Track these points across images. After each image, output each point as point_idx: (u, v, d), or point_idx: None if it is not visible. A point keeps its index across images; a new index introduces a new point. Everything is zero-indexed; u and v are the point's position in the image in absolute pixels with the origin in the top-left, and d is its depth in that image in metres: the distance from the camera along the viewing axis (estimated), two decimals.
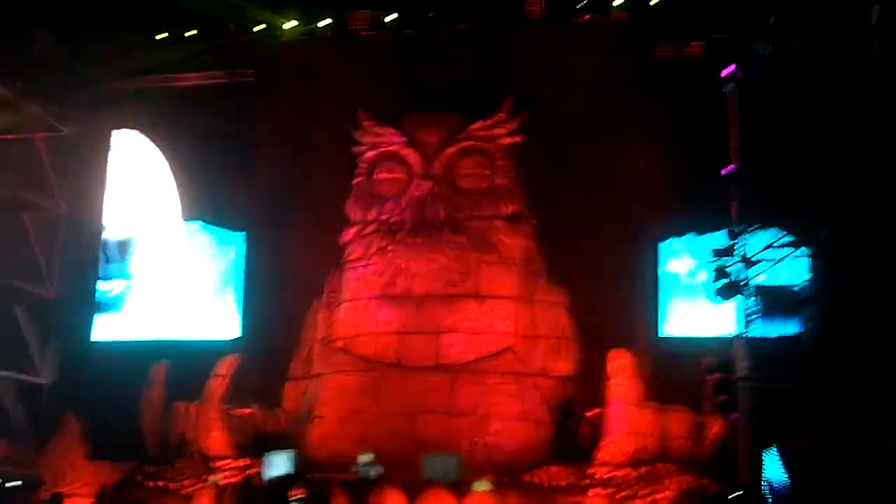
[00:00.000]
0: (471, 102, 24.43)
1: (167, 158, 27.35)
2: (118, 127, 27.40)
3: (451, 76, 24.76)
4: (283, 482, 19.91)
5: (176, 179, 27.29)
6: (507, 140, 24.37)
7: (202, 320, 26.36)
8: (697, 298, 23.04)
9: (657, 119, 23.36)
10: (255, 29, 26.20)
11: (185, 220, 27.17)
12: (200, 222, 27.15)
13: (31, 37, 26.70)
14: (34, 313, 26.05)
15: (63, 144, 26.75)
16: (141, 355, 24.74)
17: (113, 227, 27.44)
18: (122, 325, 27.05)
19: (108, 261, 27.34)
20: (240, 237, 26.68)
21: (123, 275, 27.32)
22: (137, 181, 27.60)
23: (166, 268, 27.04)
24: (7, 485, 23.47)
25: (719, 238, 20.61)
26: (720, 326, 21.36)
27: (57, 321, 26.38)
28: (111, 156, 27.58)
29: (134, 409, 23.55)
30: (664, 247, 24.22)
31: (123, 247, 27.37)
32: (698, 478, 20.50)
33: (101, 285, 27.16)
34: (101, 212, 27.43)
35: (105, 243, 27.32)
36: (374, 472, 20.33)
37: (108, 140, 27.55)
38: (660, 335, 23.61)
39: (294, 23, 26.16)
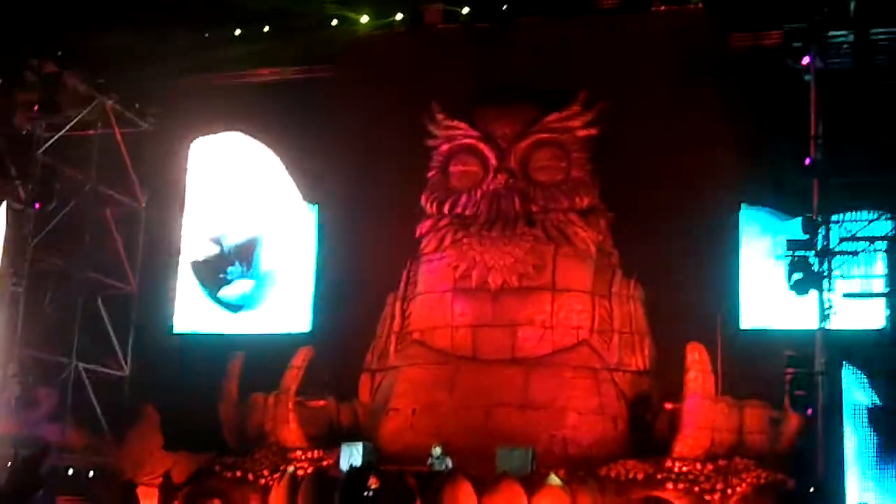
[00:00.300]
0: (545, 95, 24.30)
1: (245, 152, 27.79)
2: (197, 122, 27.80)
3: (525, 68, 24.72)
4: (358, 473, 20.01)
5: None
6: (582, 132, 24.27)
7: (279, 313, 26.74)
8: (777, 291, 22.71)
9: (735, 110, 23.12)
10: (331, 24, 26.45)
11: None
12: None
13: (112, 36, 27.18)
14: (115, 306, 26.52)
15: (143, 140, 27.25)
16: (219, 347, 25.08)
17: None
18: (194, 318, 27.60)
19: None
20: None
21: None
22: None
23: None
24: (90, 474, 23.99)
25: (796, 227, 20.40)
26: (801, 319, 21.10)
27: (137, 314, 26.85)
28: (190, 150, 28.09)
29: (212, 400, 23.80)
30: (745, 239, 23.96)
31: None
32: (775, 472, 20.24)
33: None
34: (181, 206, 27.93)
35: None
36: (444, 464, 20.36)
37: (187, 135, 27.98)
38: (740, 328, 23.38)
39: (369, 17, 26.37)
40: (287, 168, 27.44)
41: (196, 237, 28.00)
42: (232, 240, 27.96)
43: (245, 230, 27.92)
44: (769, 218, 23.75)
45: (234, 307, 27.65)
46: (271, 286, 27.43)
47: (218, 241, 28.02)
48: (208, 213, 28.12)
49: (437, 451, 20.57)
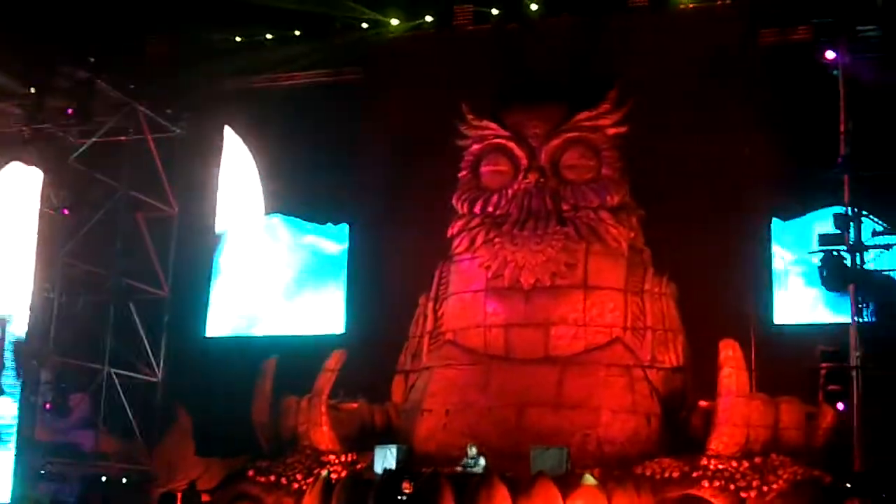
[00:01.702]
0: (575, 93, 24.37)
1: (273, 156, 27.89)
2: (227, 127, 27.96)
3: (555, 67, 24.80)
4: (392, 477, 20.02)
5: (275, 175, 27.81)
6: (613, 130, 24.24)
7: (311, 315, 26.83)
8: (810, 286, 22.65)
9: (763, 106, 23.18)
10: (362, 27, 26.57)
11: (285, 215, 27.88)
12: (300, 218, 27.69)
13: (143, 40, 27.41)
14: (148, 311, 26.61)
15: (174, 145, 27.43)
16: (251, 351, 25.16)
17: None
18: (227, 322, 27.75)
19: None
20: (343, 233, 27.13)
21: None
22: (244, 180, 28.22)
23: (265, 263, 27.64)
24: (122, 481, 24.09)
25: (828, 220, 20.33)
26: (834, 314, 21.04)
27: (170, 319, 26.96)
28: (223, 155, 28.28)
29: (245, 404, 23.83)
30: (775, 234, 23.92)
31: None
32: (811, 468, 20.16)
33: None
34: (213, 210, 28.10)
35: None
36: (479, 465, 20.35)
37: (219, 140, 28.19)
38: (773, 323, 23.30)
39: (399, 20, 26.48)
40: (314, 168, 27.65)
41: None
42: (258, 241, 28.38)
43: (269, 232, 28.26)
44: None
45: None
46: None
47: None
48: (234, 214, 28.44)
49: (472, 451, 20.58)
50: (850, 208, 20.16)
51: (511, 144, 24.44)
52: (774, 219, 24.12)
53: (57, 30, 25.08)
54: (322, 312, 27.05)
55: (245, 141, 28.38)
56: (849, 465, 19.45)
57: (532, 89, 24.60)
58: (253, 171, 28.26)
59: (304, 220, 27.95)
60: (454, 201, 24.72)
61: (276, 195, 28.07)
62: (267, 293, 27.74)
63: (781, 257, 24.01)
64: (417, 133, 25.50)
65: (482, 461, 20.44)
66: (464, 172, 24.96)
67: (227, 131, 28.35)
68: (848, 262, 19.81)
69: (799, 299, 23.37)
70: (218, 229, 28.33)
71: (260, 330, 27.29)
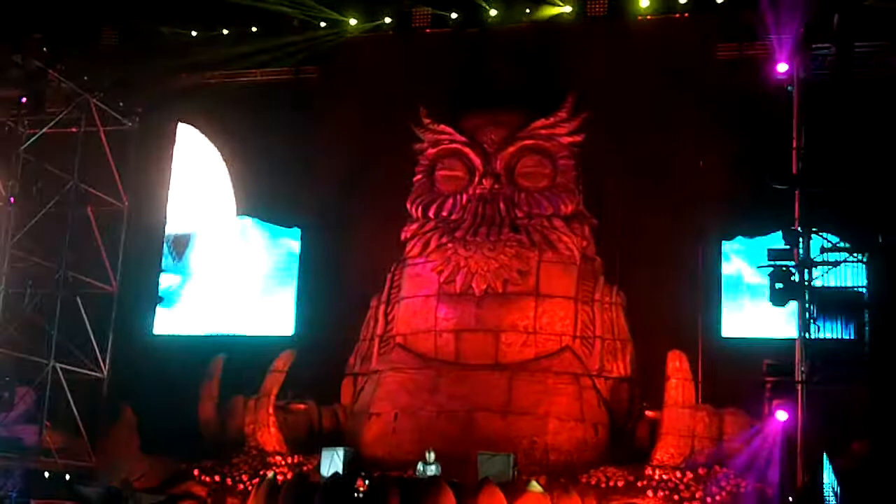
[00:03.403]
0: (532, 101, 24.47)
1: (226, 154, 27.72)
2: (181, 122, 27.74)
3: (512, 75, 24.84)
4: (343, 478, 19.99)
5: (232, 175, 27.67)
6: (568, 139, 24.38)
7: (259, 316, 26.66)
8: (758, 300, 22.84)
9: (718, 119, 23.32)
10: (320, 26, 26.45)
11: (240, 215, 27.62)
12: (256, 219, 27.53)
13: (97, 32, 27.09)
14: (95, 306, 26.17)
15: (126, 139, 27.01)
16: (199, 350, 25.02)
17: (172, 222, 27.83)
18: (176, 320, 27.45)
19: (168, 256, 27.76)
20: (295, 233, 27.01)
21: (180, 270, 27.67)
22: (197, 176, 27.99)
23: (223, 263, 27.38)
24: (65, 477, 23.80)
25: (776, 240, 20.51)
26: (781, 328, 21.23)
27: (117, 315, 26.61)
28: (175, 150, 28.03)
29: (192, 403, 23.71)
30: (725, 247, 24.11)
31: (182, 242, 27.69)
32: (754, 481, 20.36)
33: (162, 280, 27.60)
34: (164, 206, 27.88)
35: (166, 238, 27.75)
36: (432, 471, 20.37)
37: (172, 135, 27.98)
38: (721, 336, 23.51)
39: (357, 20, 26.38)
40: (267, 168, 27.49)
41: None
42: (171, 229, 28.02)
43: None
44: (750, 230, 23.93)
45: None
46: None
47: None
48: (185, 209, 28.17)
49: (431, 456, 20.61)
50: (799, 224, 20.37)
51: (467, 150, 24.52)
52: (728, 231, 24.23)
53: (9, 19, 24.73)
54: (272, 313, 26.83)
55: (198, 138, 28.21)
56: (791, 478, 19.64)
57: (489, 95, 24.65)
58: (220, 169, 27.97)
59: (262, 220, 27.73)
60: (408, 205, 24.76)
61: (235, 195, 27.90)
62: (232, 293, 27.49)
63: (736, 270, 24.15)
64: (373, 135, 25.45)
65: (434, 468, 20.45)
66: (419, 176, 25.01)
67: (187, 127, 28.06)
68: (796, 278, 20.00)
69: (753, 312, 23.48)
70: (175, 227, 28.04)
71: (209, 329, 26.98)
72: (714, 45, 24.59)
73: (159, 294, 27.73)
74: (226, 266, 27.65)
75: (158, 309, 27.61)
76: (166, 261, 27.82)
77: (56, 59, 25.15)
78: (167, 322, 27.50)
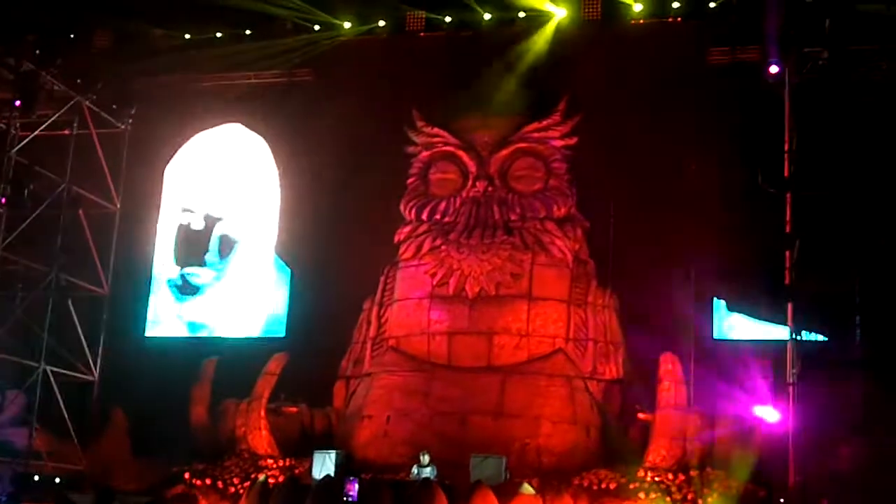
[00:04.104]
0: (525, 104, 24.48)
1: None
2: (174, 125, 27.74)
3: (505, 78, 24.83)
4: (334, 480, 19.99)
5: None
6: (561, 142, 24.46)
7: (253, 318, 26.64)
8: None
9: (711, 122, 23.41)
10: (314, 29, 26.48)
11: None
12: None
13: (90, 35, 27.09)
14: (86, 309, 26.22)
15: (119, 141, 27.10)
16: (190, 353, 24.94)
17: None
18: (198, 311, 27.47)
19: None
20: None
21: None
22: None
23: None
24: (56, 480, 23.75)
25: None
26: (773, 330, 21.31)
27: (109, 318, 26.61)
28: (168, 155, 28.04)
29: (183, 406, 23.64)
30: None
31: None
32: (746, 483, 20.39)
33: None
34: (156, 209, 27.81)
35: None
36: (427, 473, 20.34)
37: (164, 137, 27.91)
38: (713, 338, 23.56)
39: (351, 24, 26.42)
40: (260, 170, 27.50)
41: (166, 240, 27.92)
42: (222, 228, 27.87)
43: (233, 226, 27.87)
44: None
45: (190, 288, 27.58)
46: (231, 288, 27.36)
47: (209, 219, 27.93)
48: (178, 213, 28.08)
49: (425, 458, 20.60)
50: (791, 228, 20.47)
51: (460, 153, 24.57)
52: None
53: (1, 21, 24.71)
54: (264, 315, 26.81)
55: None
56: (783, 479, 19.70)
57: (483, 99, 24.59)
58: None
59: None
60: (402, 207, 24.78)
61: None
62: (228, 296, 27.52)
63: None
64: (367, 137, 25.42)
65: (428, 471, 20.43)
66: (412, 179, 25.03)
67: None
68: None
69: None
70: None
71: (201, 331, 26.95)
72: (707, 50, 24.66)
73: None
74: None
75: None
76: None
77: (49, 62, 25.20)
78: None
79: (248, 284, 27.31)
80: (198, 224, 27.90)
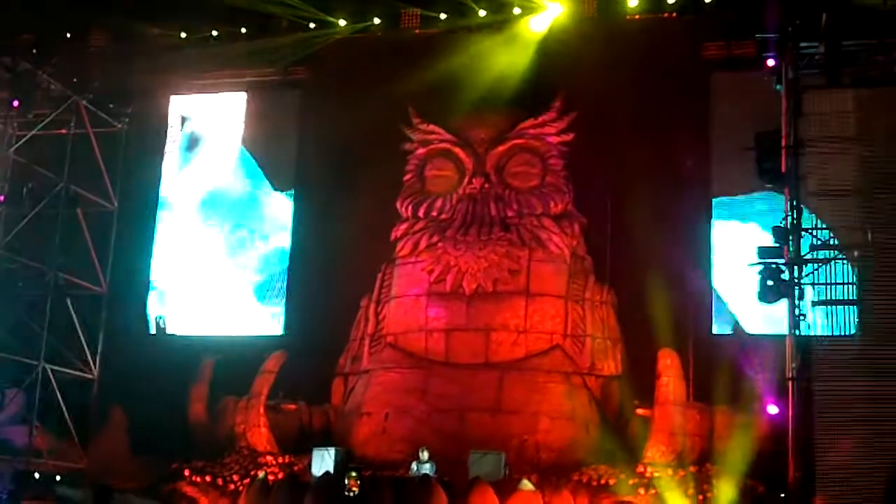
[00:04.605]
0: (521, 100, 24.50)
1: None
2: (172, 124, 27.75)
3: (501, 74, 24.77)
4: (334, 477, 20.03)
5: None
6: (557, 138, 24.48)
7: (251, 316, 26.64)
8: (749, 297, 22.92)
9: (706, 118, 23.41)
10: (309, 27, 26.45)
11: None
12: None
13: (86, 34, 27.08)
14: (85, 307, 26.23)
15: (116, 140, 27.08)
16: (189, 351, 24.97)
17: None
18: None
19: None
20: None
21: None
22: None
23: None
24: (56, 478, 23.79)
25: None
26: (772, 324, 21.29)
27: (107, 316, 26.63)
28: (166, 152, 28.03)
29: (183, 404, 23.72)
30: (716, 244, 24.18)
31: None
32: (746, 478, 20.42)
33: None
34: (154, 207, 27.82)
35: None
36: (427, 469, 20.38)
37: (162, 136, 27.93)
38: (711, 333, 23.57)
39: (346, 21, 26.40)
40: (258, 169, 27.47)
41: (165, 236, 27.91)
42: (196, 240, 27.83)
43: (209, 230, 27.81)
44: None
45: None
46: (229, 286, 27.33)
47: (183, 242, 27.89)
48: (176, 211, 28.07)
49: (424, 455, 20.62)
50: (789, 222, 20.44)
51: (456, 149, 24.59)
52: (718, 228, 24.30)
53: None
54: (262, 313, 26.82)
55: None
56: (783, 474, 19.71)
57: (479, 95, 24.53)
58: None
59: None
60: (398, 205, 24.81)
61: None
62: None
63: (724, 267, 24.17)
64: (363, 135, 25.32)
65: (428, 467, 20.45)
66: (409, 176, 25.05)
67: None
68: (786, 276, 20.08)
69: (740, 310, 23.54)
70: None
71: (200, 330, 26.93)
72: (702, 44, 24.63)
73: None
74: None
75: (150, 310, 27.47)
76: None
77: (45, 61, 25.23)
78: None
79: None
80: None
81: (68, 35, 26.39)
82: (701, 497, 20.17)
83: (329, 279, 25.31)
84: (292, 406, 23.79)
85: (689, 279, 23.21)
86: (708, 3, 24.50)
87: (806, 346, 19.69)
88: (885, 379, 19.31)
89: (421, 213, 24.50)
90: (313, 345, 24.70)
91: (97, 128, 26.54)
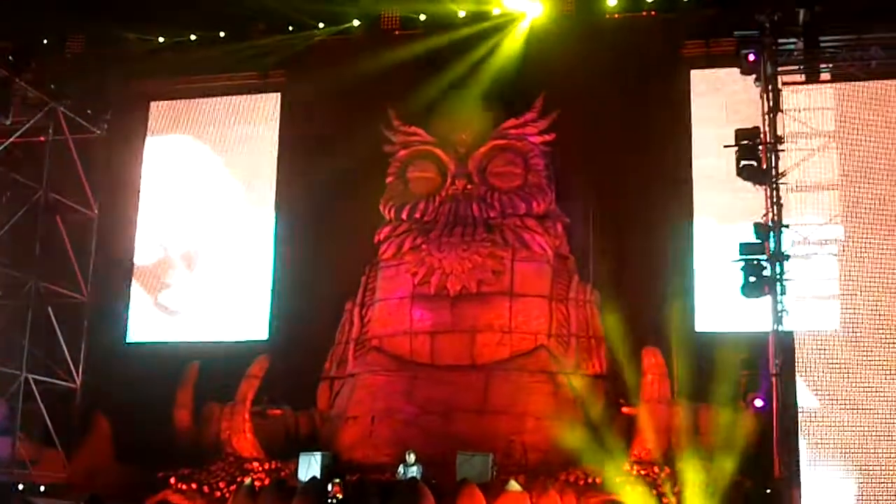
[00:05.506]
0: (502, 101, 24.54)
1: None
2: (151, 129, 27.64)
3: (482, 75, 24.79)
4: (320, 482, 19.98)
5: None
6: (539, 138, 24.48)
7: (235, 321, 26.56)
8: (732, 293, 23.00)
9: (686, 115, 23.46)
10: (288, 29, 26.41)
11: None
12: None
13: (63, 40, 26.94)
14: (66, 316, 26.05)
15: (95, 147, 26.93)
16: (173, 357, 24.81)
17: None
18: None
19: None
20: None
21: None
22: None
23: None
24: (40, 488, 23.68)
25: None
26: (756, 321, 21.35)
27: (89, 324, 26.49)
28: (145, 158, 27.89)
29: (167, 411, 23.58)
30: (698, 242, 24.24)
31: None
32: (733, 474, 20.47)
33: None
34: (134, 213, 27.68)
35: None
36: (414, 472, 20.35)
37: (141, 142, 27.81)
38: (694, 330, 23.62)
39: (325, 24, 26.36)
40: (239, 173, 27.37)
41: (145, 243, 27.72)
42: (177, 244, 27.60)
43: (191, 234, 27.57)
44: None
45: (171, 311, 27.33)
46: (212, 291, 27.14)
47: (163, 246, 27.71)
48: (156, 216, 27.80)
49: (411, 458, 20.55)
50: (770, 218, 20.53)
51: (438, 151, 24.58)
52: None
53: None
54: (245, 318, 26.74)
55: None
56: (768, 470, 19.80)
57: (460, 96, 24.59)
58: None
59: None
60: (381, 207, 24.78)
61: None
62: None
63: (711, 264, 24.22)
64: (343, 138, 25.30)
65: (414, 470, 20.41)
66: (391, 178, 25.01)
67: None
68: (768, 272, 20.16)
69: (723, 306, 23.59)
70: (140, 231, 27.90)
71: (182, 335, 26.81)
72: (681, 42, 24.72)
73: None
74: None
75: (132, 318, 27.35)
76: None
77: (22, 68, 25.01)
78: (140, 330, 27.30)
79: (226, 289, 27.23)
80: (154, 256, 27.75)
81: (45, 41, 26.33)
82: (687, 493, 20.19)
83: (313, 283, 25.27)
84: (278, 411, 23.70)
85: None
86: (686, 2, 24.69)
87: (789, 342, 19.84)
88: (867, 372, 19.55)
89: (404, 216, 24.47)
90: (298, 349, 24.69)
91: (76, 134, 26.37)
